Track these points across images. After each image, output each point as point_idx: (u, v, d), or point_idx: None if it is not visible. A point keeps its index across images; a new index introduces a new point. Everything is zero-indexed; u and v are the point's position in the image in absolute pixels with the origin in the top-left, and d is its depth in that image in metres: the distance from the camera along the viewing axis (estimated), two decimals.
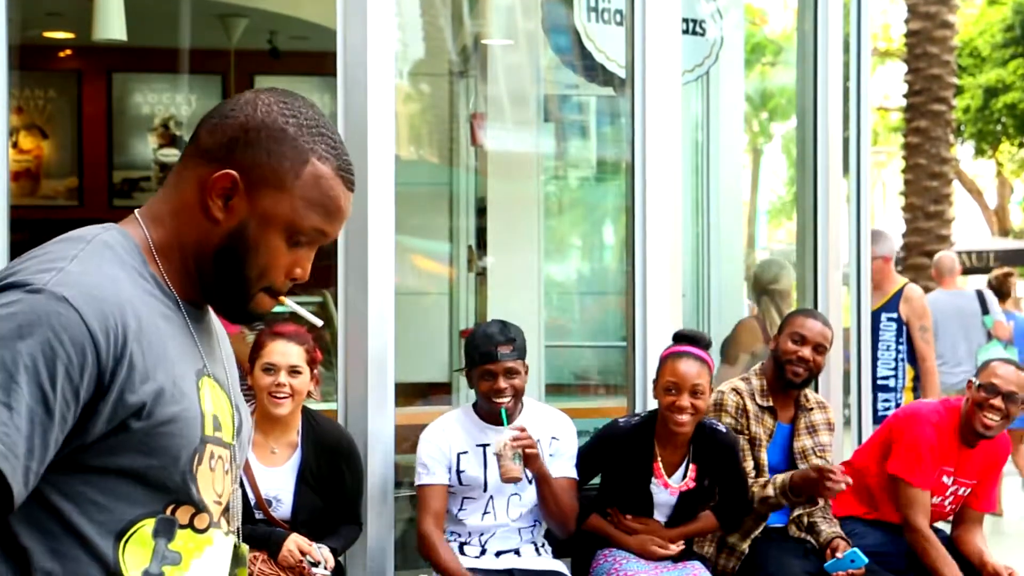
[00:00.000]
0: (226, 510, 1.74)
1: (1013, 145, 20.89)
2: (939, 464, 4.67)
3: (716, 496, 4.36)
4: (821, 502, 4.57)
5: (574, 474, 4.25)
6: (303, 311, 1.79)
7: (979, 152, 21.46)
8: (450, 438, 4.18)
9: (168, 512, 1.64)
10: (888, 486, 4.73)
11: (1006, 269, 10.29)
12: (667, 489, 4.23)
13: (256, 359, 4.05)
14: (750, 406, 4.54)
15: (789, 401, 4.62)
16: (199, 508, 1.67)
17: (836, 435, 4.88)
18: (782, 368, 4.54)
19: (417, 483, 4.17)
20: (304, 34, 8.08)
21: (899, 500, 4.67)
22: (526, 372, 4.17)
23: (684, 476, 4.26)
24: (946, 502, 4.78)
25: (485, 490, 4.17)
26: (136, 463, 1.60)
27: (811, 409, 4.65)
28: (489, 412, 4.17)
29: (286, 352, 4.02)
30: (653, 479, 4.24)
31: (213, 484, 1.69)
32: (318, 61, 5.52)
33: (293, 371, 4.01)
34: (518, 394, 4.14)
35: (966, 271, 19.93)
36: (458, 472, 4.15)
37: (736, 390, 4.57)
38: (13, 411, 1.48)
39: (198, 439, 1.64)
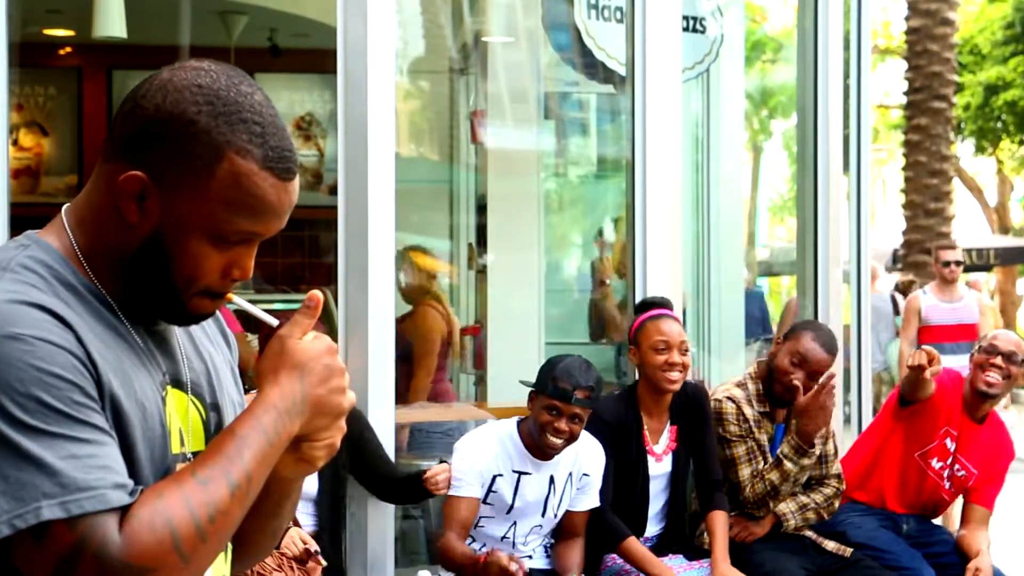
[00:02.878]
0: None
1: (1013, 142, 20.88)
2: (944, 420, 4.77)
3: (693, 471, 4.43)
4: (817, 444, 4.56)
5: (596, 503, 4.19)
6: (255, 310, 1.58)
7: (979, 149, 21.45)
8: (488, 458, 4.04)
9: None
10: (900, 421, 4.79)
11: (910, 277, 12.22)
12: (653, 456, 4.31)
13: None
14: (748, 412, 4.51)
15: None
16: None
17: (837, 431, 4.87)
18: (773, 380, 4.49)
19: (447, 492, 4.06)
20: (304, 31, 8.09)
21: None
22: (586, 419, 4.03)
23: (666, 441, 4.36)
24: (945, 481, 4.82)
25: (509, 513, 4.09)
26: None
27: None
28: (534, 442, 4.03)
29: None
30: (647, 453, 4.30)
31: None
32: (318, 59, 5.52)
33: None
34: (573, 438, 3.98)
35: (967, 268, 19.89)
36: (489, 490, 4.05)
37: (732, 399, 4.51)
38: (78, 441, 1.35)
39: (166, 459, 1.50)
